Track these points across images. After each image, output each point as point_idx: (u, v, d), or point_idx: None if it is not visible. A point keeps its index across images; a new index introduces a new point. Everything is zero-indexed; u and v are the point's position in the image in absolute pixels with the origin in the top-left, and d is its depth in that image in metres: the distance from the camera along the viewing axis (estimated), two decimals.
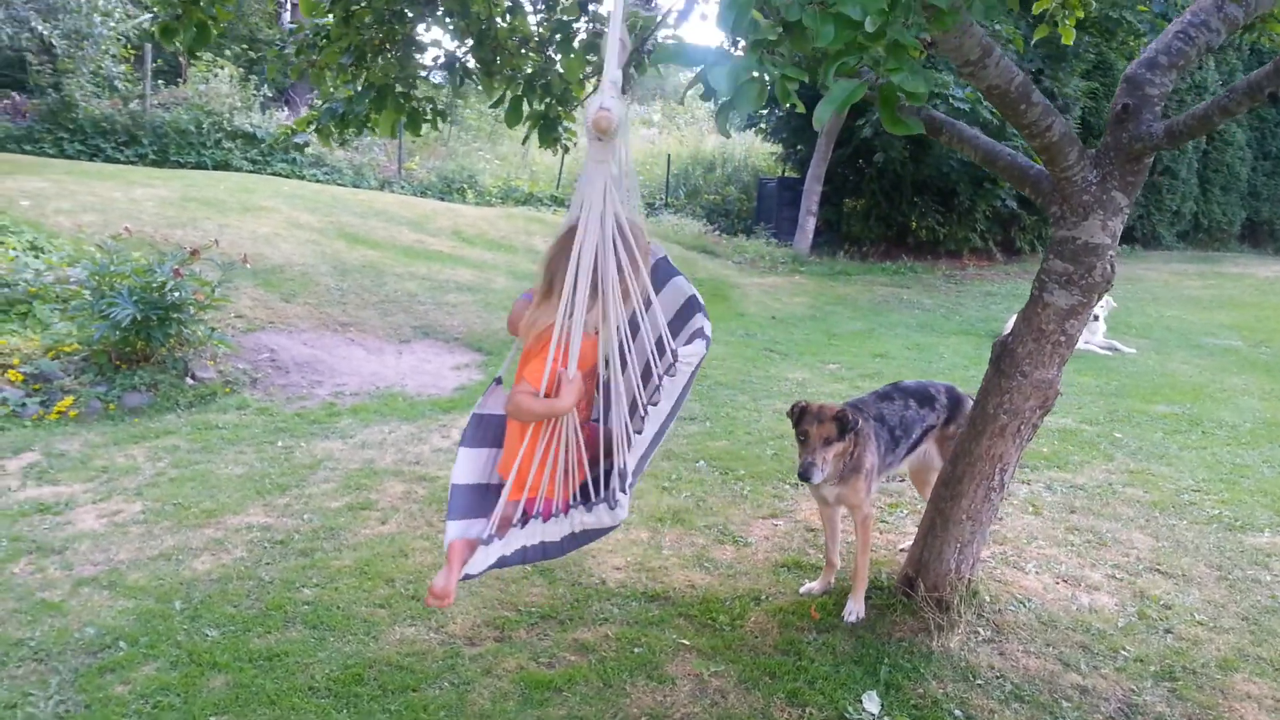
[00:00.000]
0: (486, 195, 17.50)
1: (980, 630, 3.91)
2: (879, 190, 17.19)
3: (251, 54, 20.28)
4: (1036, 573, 4.50)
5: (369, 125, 4.64)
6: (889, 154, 15.54)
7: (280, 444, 6.17)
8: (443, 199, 16.60)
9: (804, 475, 3.74)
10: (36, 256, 8.42)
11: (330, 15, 4.08)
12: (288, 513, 5.04)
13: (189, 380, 7.18)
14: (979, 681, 3.57)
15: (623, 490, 2.70)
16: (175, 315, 7.04)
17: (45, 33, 13.43)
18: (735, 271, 14.11)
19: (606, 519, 2.75)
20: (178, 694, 3.39)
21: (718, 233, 17.24)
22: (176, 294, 6.99)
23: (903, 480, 5.42)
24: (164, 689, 3.41)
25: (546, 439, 2.68)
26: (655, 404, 2.69)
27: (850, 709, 3.36)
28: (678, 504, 5.25)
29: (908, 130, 2.07)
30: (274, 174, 15.95)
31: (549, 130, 4.71)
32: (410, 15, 4.10)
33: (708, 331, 2.81)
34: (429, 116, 4.46)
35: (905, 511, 5.26)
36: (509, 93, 4.32)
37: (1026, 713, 3.40)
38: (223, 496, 5.23)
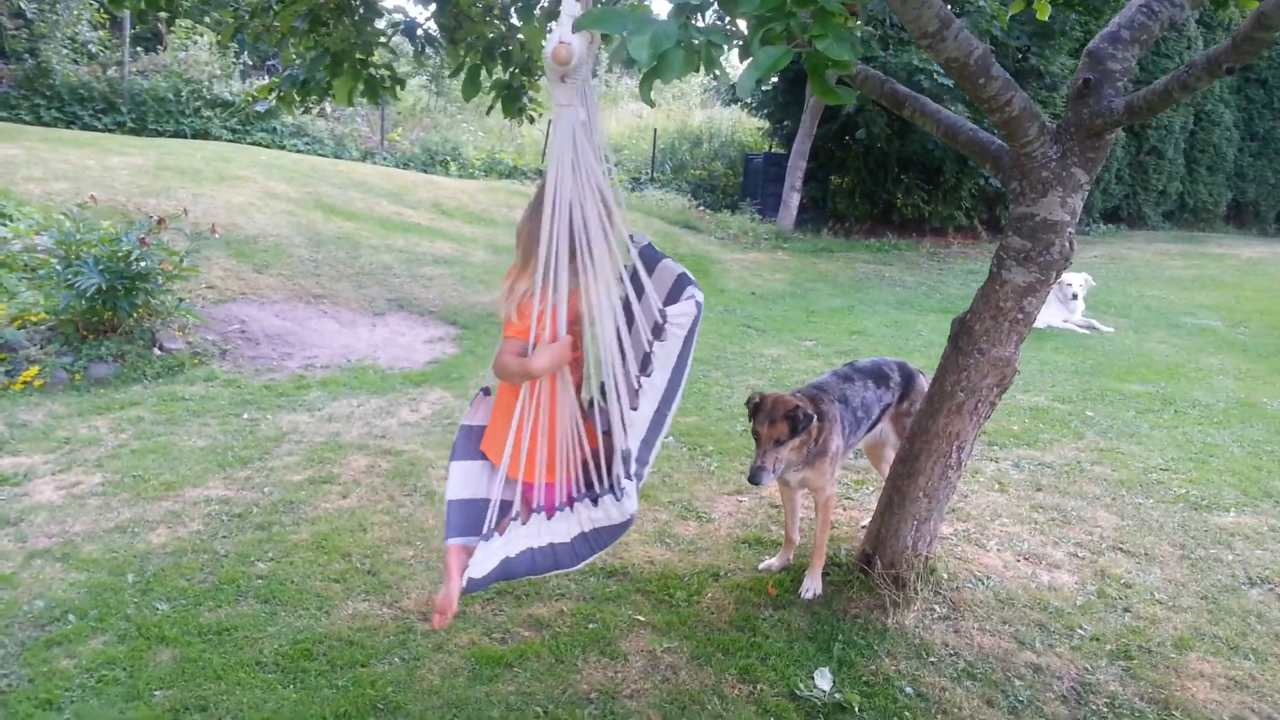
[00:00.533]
0: (469, 168, 17.36)
1: (936, 608, 3.90)
2: (864, 167, 17.10)
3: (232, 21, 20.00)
4: (998, 550, 4.49)
5: (329, 93, 4.56)
6: (871, 130, 15.44)
7: (245, 416, 6.11)
8: (425, 171, 16.46)
9: (753, 480, 3.68)
10: (4, 225, 8.29)
11: None
12: (248, 486, 4.99)
13: (156, 351, 7.10)
14: (932, 659, 3.56)
15: (628, 477, 2.53)
16: (142, 285, 6.94)
17: None
18: (718, 247, 14.04)
19: (615, 513, 2.59)
20: (123, 668, 3.35)
21: (702, 208, 17.14)
22: (143, 264, 6.89)
23: (860, 456, 5.40)
24: (110, 663, 3.37)
25: (535, 408, 2.56)
26: (649, 375, 2.54)
27: (801, 685, 3.35)
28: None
29: (839, 100, 2.01)
30: (254, 143, 15.78)
31: (513, 100, 4.64)
32: None
33: (699, 297, 2.63)
34: (387, 84, 4.38)
35: (871, 488, 5.24)
36: (467, 61, 4.23)
37: (978, 690, 3.39)
38: (183, 469, 5.17)
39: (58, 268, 6.90)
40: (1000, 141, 3.53)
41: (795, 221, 16.65)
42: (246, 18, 4.21)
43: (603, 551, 2.76)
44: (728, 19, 2.59)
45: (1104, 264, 14.91)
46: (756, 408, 3.73)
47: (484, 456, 2.84)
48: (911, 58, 13.88)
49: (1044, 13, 4.95)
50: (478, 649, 3.55)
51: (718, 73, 3.19)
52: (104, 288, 6.68)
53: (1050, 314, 9.98)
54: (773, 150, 19.32)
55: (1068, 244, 3.39)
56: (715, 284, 11.62)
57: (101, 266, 6.72)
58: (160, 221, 7.17)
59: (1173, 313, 11.22)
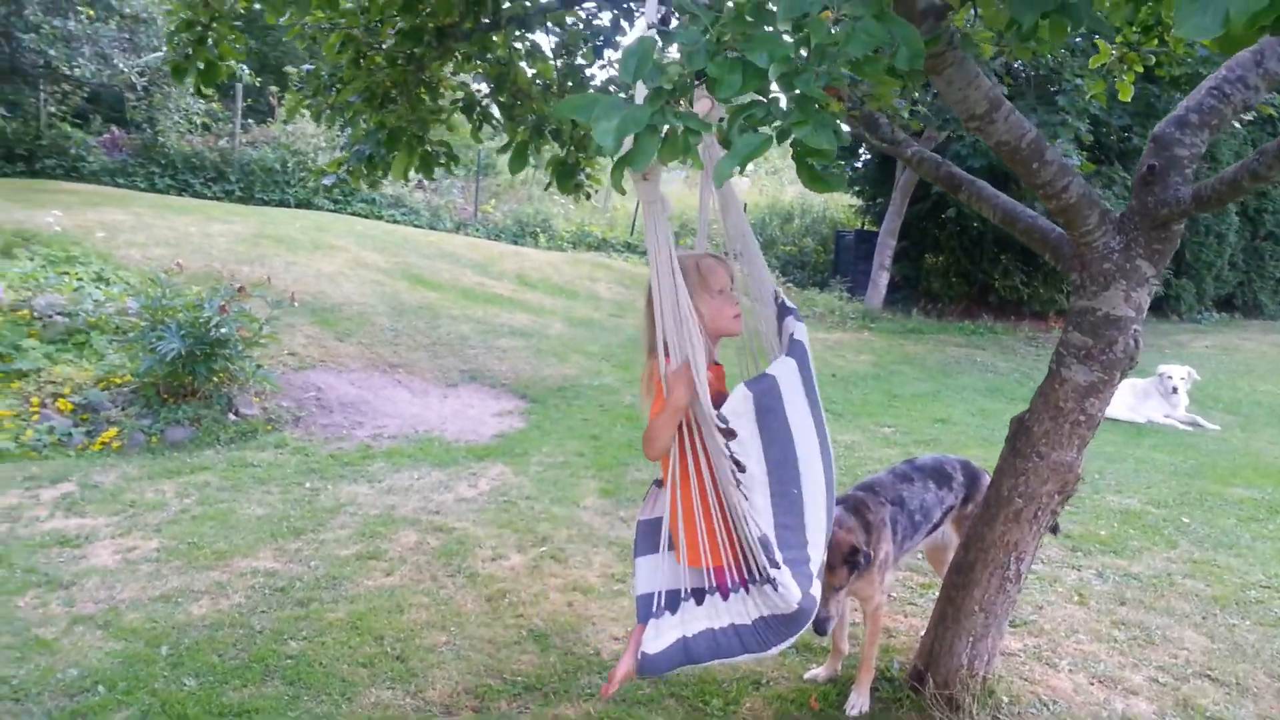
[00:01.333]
0: (559, 240, 17.62)
1: None
2: (958, 246, 16.73)
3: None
4: (1070, 671, 4.14)
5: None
6: (962, 209, 15.12)
7: (308, 485, 6.16)
8: (515, 242, 16.76)
9: (819, 631, 3.40)
10: (100, 289, 8.68)
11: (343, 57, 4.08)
12: (296, 559, 4.98)
13: (232, 416, 7.26)
14: None
15: (773, 564, 2.49)
16: (220, 351, 7.13)
17: (125, 69, 14.01)
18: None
19: (779, 603, 2.54)
20: None
21: (790, 285, 16.99)
22: (223, 330, 7.09)
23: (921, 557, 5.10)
24: None
25: (695, 483, 2.55)
26: (744, 471, 2.49)
27: None
28: None
29: (828, 189, 1.88)
30: (353, 213, 16.35)
31: (567, 175, 4.62)
32: (423, 58, 4.06)
33: (776, 369, 2.65)
34: (442, 161, 4.42)
35: (935, 594, 4.92)
36: (518, 137, 4.24)
37: None
38: (237, 538, 5.20)
39: (144, 331, 7.16)
40: (1060, 230, 3.32)
41: (885, 301, 16.35)
42: (308, 96, 4.31)
43: (792, 640, 2.68)
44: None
45: (1215, 355, 14.15)
46: None
47: (666, 549, 2.80)
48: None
49: (1126, 93, 4.75)
50: None
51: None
52: (184, 353, 6.88)
53: (1150, 408, 9.46)
54: (865, 227, 19.13)
55: (1132, 342, 3.14)
56: None
57: (183, 332, 6.94)
58: (241, 289, 7.40)
59: None
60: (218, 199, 15.41)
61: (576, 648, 4.16)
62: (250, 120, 17.65)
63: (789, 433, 2.58)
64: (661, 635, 2.61)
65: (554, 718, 3.62)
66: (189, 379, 7.12)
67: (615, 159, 1.77)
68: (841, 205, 21.35)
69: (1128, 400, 9.49)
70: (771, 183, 25.05)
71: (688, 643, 2.61)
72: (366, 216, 16.28)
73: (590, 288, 13.17)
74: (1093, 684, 4.04)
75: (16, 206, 10.70)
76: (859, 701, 3.71)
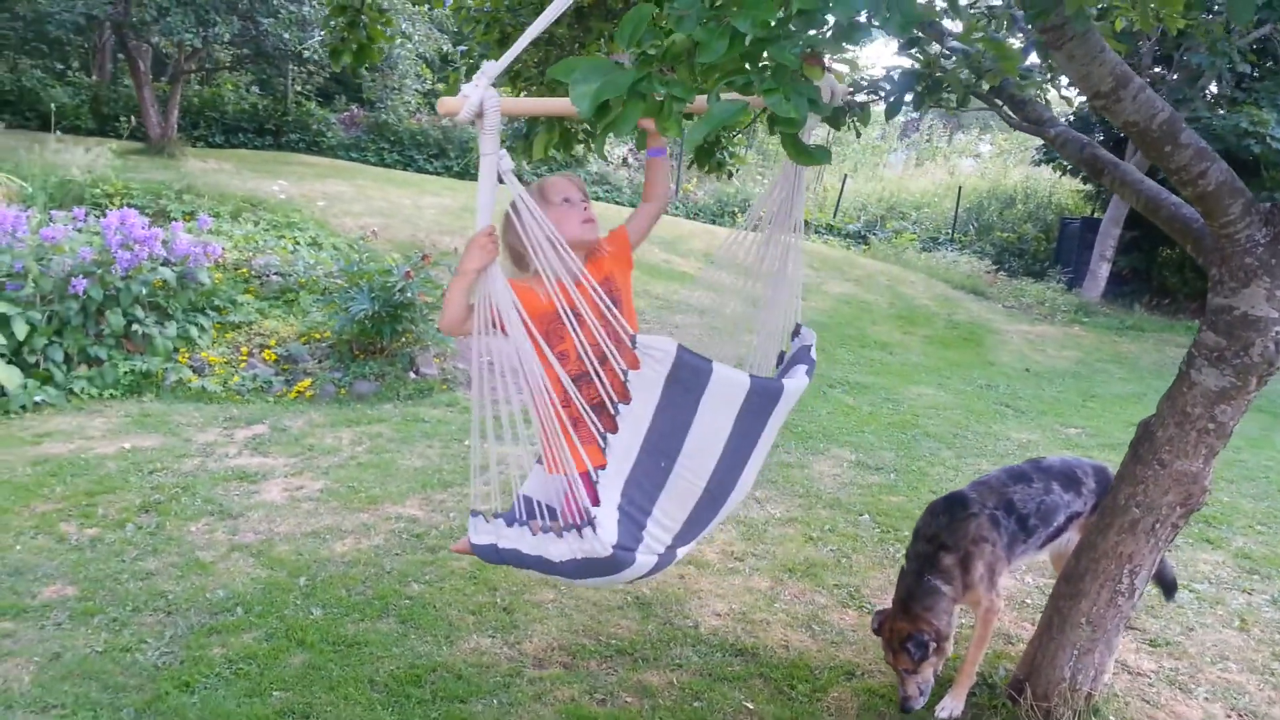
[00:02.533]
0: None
1: None
2: None
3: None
4: (1206, 700, 3.76)
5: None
6: None
7: (466, 442, 6.50)
8: (714, 222, 16.81)
9: (904, 709, 3.43)
10: (314, 252, 9.48)
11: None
12: (439, 508, 5.30)
13: (412, 375, 7.77)
14: None
15: (594, 501, 2.41)
16: (405, 313, 7.64)
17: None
18: (1002, 316, 13.09)
19: (594, 546, 2.42)
20: (259, 664, 3.65)
21: (1001, 273, 16.08)
22: (407, 294, 7.58)
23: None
24: (250, 658, 3.69)
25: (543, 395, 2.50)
26: (627, 403, 2.39)
27: None
28: (817, 556, 4.94)
29: (813, 161, 1.81)
30: None
31: (706, 154, 4.62)
32: (563, 39, 4.17)
33: (752, 373, 2.62)
34: (581, 138, 4.52)
35: None
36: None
37: None
38: (392, 485, 5.59)
39: (342, 293, 7.78)
40: (1204, 219, 3.00)
41: (1105, 294, 15.16)
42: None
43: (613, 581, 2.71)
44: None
45: None
46: (878, 631, 3.55)
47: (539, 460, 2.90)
48: (1240, 120, 12.24)
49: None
50: (574, 706, 3.50)
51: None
52: (373, 313, 7.43)
53: None
54: (1094, 215, 17.77)
55: (1272, 346, 2.80)
56: (985, 356, 10.84)
57: (373, 294, 7.48)
58: (425, 257, 7.87)
59: None
60: (437, 174, 16.40)
61: (677, 619, 4.20)
62: None
63: (690, 420, 2.46)
64: (479, 533, 2.74)
65: (638, 682, 3.69)
66: (377, 338, 7.67)
67: (601, 125, 1.78)
68: (1069, 190, 19.93)
69: None
70: (996, 164, 23.72)
71: (500, 551, 2.70)
72: None
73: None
74: (1229, 716, 3.66)
75: (255, 176, 11.86)
76: (952, 705, 3.55)
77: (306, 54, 13.47)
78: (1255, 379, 2.86)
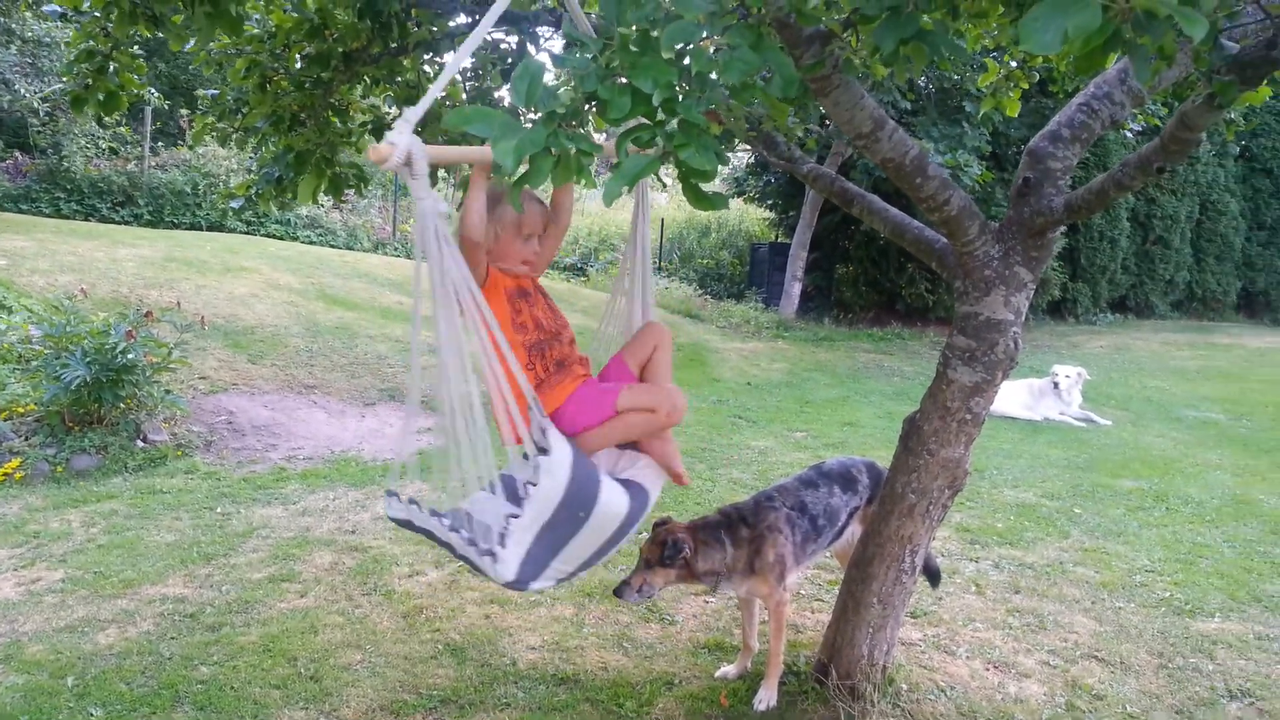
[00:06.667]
0: None
1: None
2: (867, 256, 17.25)
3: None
4: (967, 658, 4.35)
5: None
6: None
7: (219, 510, 6.09)
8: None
9: (618, 592, 3.78)
10: (3, 317, 8.43)
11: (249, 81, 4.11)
12: (207, 584, 4.94)
13: (140, 443, 7.12)
14: None
15: (500, 543, 2.62)
16: (127, 377, 7.00)
17: (27, 95, 13.65)
18: (718, 336, 14.07)
19: (494, 574, 2.66)
20: None
21: (707, 297, 17.26)
22: (129, 356, 6.96)
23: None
24: None
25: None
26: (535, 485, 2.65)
27: None
28: (610, 578, 5.11)
29: (712, 208, 2.03)
30: (267, 235, 16.10)
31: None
32: (331, 82, 4.10)
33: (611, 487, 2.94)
34: (351, 183, 4.46)
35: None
36: None
37: None
38: (146, 565, 5.13)
39: (48, 359, 6.99)
40: (945, 240, 3.52)
41: (798, 310, 16.72)
42: (214, 120, 4.32)
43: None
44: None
45: (1108, 355, 14.81)
46: (654, 528, 3.86)
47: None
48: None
49: (1013, 109, 5.03)
50: None
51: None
52: (89, 380, 6.74)
53: (1046, 407, 9.89)
54: (778, 240, 19.54)
55: (1012, 343, 3.35)
56: (710, 373, 11.61)
57: (89, 359, 6.80)
58: (148, 314, 7.28)
59: (1174, 405, 11.08)
60: (125, 223, 15.04)
61: (493, 659, 4.22)
62: (160, 143, 17.27)
63: (597, 483, 2.81)
64: (394, 509, 2.93)
65: None
66: (95, 406, 6.97)
67: (514, 179, 1.87)
68: (756, 219, 21.76)
69: (1024, 399, 9.92)
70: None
71: (415, 527, 2.88)
72: (281, 238, 16.04)
73: None
74: (988, 669, 4.25)
75: None
76: (766, 696, 3.85)
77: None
78: (1000, 373, 3.40)
